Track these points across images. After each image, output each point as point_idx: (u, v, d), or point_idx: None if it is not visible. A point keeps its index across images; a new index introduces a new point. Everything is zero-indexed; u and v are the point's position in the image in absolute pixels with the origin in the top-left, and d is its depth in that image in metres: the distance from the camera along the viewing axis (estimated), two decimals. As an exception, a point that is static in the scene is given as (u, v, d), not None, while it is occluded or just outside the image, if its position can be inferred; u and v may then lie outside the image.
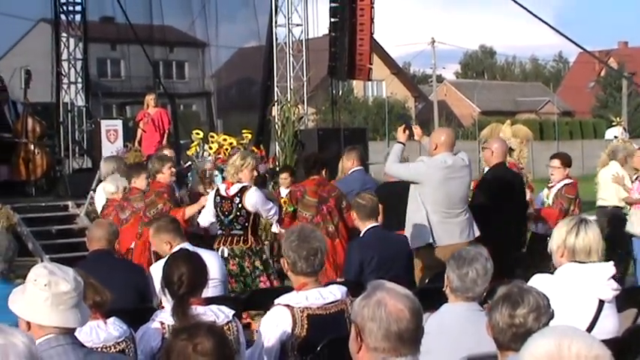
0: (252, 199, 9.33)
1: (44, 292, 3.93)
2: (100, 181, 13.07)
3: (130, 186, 10.27)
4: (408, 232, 9.04)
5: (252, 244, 9.34)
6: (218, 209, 9.41)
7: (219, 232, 9.43)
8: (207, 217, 9.62)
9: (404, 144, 9.23)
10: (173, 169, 10.46)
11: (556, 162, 11.38)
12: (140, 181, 10.21)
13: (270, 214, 9.62)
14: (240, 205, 9.29)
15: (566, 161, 11.46)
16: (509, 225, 9.86)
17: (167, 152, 11.99)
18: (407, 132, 9.29)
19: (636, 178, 12.84)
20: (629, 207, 13.04)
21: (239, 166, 9.46)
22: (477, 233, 9.07)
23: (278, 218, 9.98)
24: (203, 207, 9.79)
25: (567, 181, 11.32)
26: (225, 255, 9.17)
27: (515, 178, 10.58)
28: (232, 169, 9.51)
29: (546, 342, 2.51)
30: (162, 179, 10.13)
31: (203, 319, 4.98)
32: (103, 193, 11.07)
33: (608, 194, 12.71)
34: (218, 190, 9.62)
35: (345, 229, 10.44)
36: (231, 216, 9.32)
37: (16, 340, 2.70)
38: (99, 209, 11.42)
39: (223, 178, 11.65)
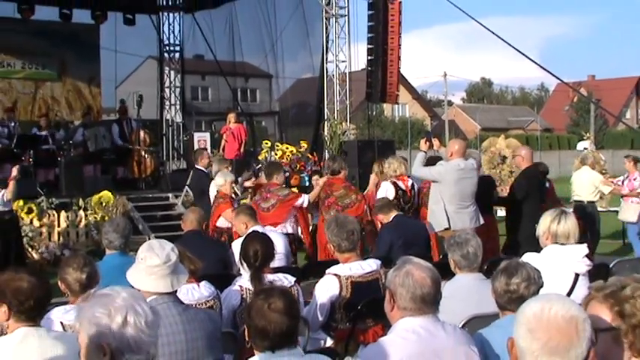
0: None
1: (141, 265, 4.00)
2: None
3: (271, 181, 9.96)
4: (430, 219, 8.99)
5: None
6: (401, 199, 9.76)
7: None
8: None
9: (425, 152, 9.18)
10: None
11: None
12: (280, 177, 10.01)
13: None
14: (415, 195, 9.91)
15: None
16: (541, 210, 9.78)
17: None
18: (427, 143, 9.25)
19: (626, 177, 12.73)
20: (622, 199, 12.89)
21: (404, 166, 10.14)
22: (482, 221, 8.98)
23: None
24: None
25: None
26: None
27: (542, 175, 10.62)
28: (401, 168, 10.01)
29: (533, 305, 2.47)
30: (342, 175, 10.34)
31: (274, 284, 5.01)
32: (214, 186, 10.77)
33: (582, 192, 12.52)
34: (396, 183, 9.88)
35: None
36: (410, 203, 9.86)
37: (120, 291, 2.60)
38: (212, 198, 10.79)
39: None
